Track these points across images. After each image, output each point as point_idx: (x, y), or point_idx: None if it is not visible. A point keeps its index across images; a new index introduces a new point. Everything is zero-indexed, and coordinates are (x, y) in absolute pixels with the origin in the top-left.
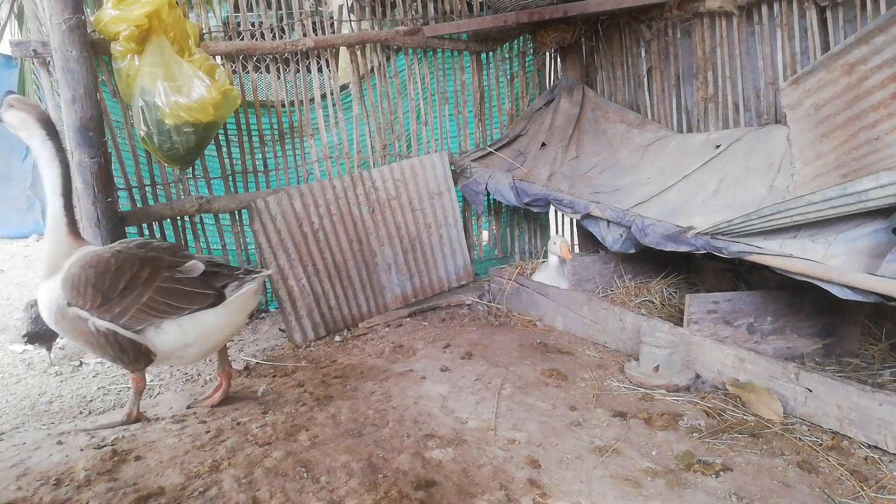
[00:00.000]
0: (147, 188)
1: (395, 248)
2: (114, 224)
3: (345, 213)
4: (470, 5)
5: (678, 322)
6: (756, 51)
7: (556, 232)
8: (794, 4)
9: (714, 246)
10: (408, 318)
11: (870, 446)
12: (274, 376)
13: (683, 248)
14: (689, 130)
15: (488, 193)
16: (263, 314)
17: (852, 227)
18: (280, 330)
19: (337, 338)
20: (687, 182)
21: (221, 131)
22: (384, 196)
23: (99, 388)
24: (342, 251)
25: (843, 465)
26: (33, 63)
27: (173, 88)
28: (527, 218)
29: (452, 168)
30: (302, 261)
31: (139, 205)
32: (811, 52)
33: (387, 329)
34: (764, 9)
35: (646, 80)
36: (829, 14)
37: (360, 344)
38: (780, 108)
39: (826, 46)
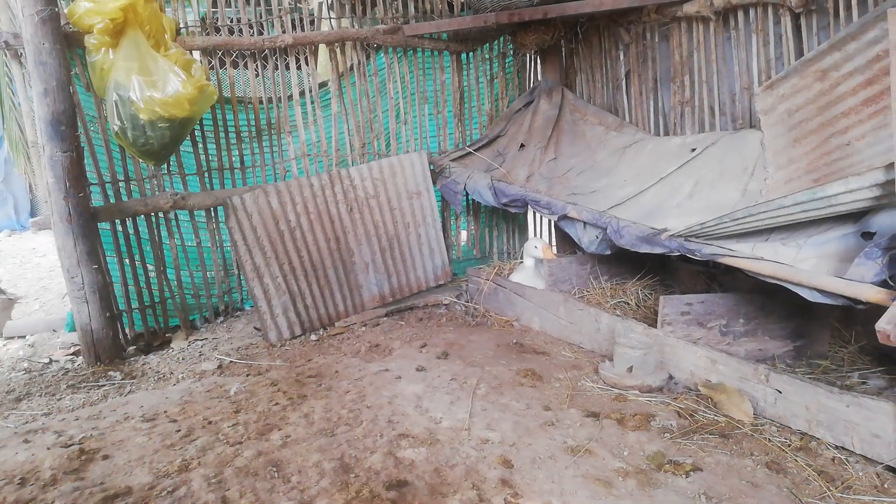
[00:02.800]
0: (121, 183)
1: (373, 247)
2: (85, 220)
3: (322, 211)
4: (451, 5)
5: (652, 323)
6: (732, 56)
7: (535, 233)
8: (770, 11)
9: (687, 248)
10: (385, 318)
11: (837, 447)
12: (248, 375)
13: (658, 250)
14: (666, 133)
15: (467, 193)
16: (238, 312)
17: (822, 231)
18: (255, 328)
19: (313, 337)
20: (663, 184)
21: (197, 127)
22: (362, 195)
23: (68, 387)
24: (319, 250)
25: (810, 465)
26: (5, 55)
27: (148, 83)
28: (505, 218)
29: (431, 167)
30: (278, 259)
31: (112, 200)
32: (785, 58)
33: (364, 328)
34: (740, 14)
35: (624, 83)
36: (803, 21)
37: (336, 343)
38: (755, 113)
39: (800, 52)
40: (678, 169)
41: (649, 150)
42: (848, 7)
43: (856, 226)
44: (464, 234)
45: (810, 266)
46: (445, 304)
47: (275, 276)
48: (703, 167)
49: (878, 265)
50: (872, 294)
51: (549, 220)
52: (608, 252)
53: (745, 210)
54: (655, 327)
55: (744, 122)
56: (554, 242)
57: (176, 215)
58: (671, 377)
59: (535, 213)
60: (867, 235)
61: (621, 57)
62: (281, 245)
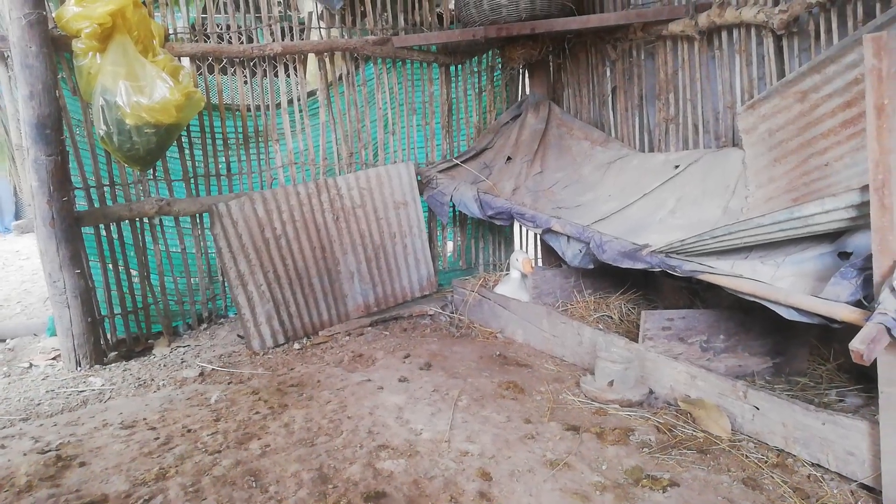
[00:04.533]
0: (105, 188)
1: (359, 257)
2: (69, 224)
3: (308, 219)
4: (440, 18)
5: (634, 338)
6: (716, 75)
7: (520, 245)
8: (753, 32)
9: (668, 264)
10: (369, 328)
11: (812, 464)
12: (229, 383)
13: (639, 266)
14: (651, 150)
15: (453, 205)
16: (222, 320)
17: (800, 250)
18: (238, 336)
19: (296, 345)
20: (646, 200)
21: (184, 133)
22: (349, 204)
23: (48, 392)
24: (304, 258)
25: (786, 482)
26: None
27: (135, 88)
28: (491, 230)
29: (419, 178)
30: (263, 266)
31: (97, 205)
32: (768, 78)
33: (347, 338)
34: (724, 35)
35: (610, 99)
36: (785, 42)
37: (319, 352)
38: (738, 132)
39: (782, 73)
40: (662, 185)
41: (634, 165)
42: (829, 30)
43: (833, 245)
44: (450, 245)
45: (788, 284)
46: (430, 315)
47: (259, 284)
48: (686, 184)
49: (853, 285)
50: (847, 313)
51: (535, 233)
52: (591, 266)
53: (725, 228)
54: (637, 342)
55: (727, 140)
56: (539, 255)
57: (161, 221)
58: (651, 392)
59: (520, 225)
60: (844, 255)
61: (608, 73)
62: (266, 253)
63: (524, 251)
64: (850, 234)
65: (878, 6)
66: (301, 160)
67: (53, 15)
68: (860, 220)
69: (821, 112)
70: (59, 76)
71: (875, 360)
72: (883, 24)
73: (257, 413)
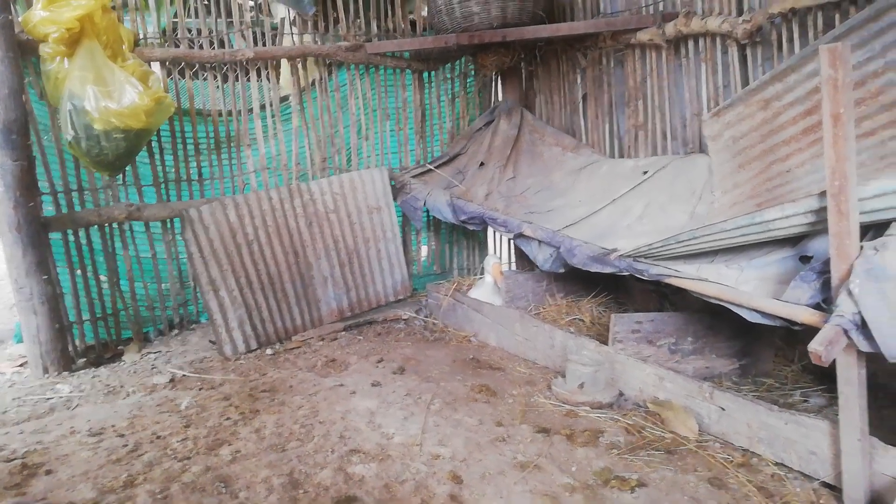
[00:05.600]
0: (74, 193)
1: (332, 262)
2: (35, 229)
3: (281, 224)
4: (413, 25)
5: (604, 341)
6: (683, 82)
7: (494, 250)
8: (718, 41)
9: (636, 268)
10: (343, 332)
11: (776, 464)
12: (200, 389)
13: (608, 270)
14: (621, 156)
15: (427, 210)
16: (194, 325)
17: (763, 254)
18: (210, 342)
19: (269, 351)
20: (615, 206)
21: (155, 138)
22: (322, 209)
23: (14, 399)
24: (277, 263)
25: (751, 481)
26: None
27: (104, 93)
28: (465, 235)
29: (392, 183)
30: (234, 272)
31: (65, 210)
32: (733, 87)
33: (321, 343)
34: (690, 43)
35: (581, 105)
36: (749, 51)
37: (292, 357)
38: (704, 138)
39: (746, 82)
40: (630, 191)
41: (604, 171)
42: (790, 40)
43: (794, 249)
44: (424, 250)
45: (751, 288)
46: (404, 319)
47: (231, 289)
48: (654, 189)
49: (813, 288)
50: (807, 316)
51: (508, 238)
52: (561, 270)
53: (689, 233)
54: (607, 345)
55: (694, 146)
56: (512, 259)
57: (131, 226)
58: (621, 394)
59: (494, 230)
60: (805, 259)
61: (579, 80)
62: (238, 258)
63: (497, 256)
64: (811, 238)
65: (836, 17)
66: (273, 165)
67: (20, 19)
68: (819, 225)
69: (783, 120)
70: (26, 80)
71: (833, 361)
72: (840, 34)
73: (228, 419)
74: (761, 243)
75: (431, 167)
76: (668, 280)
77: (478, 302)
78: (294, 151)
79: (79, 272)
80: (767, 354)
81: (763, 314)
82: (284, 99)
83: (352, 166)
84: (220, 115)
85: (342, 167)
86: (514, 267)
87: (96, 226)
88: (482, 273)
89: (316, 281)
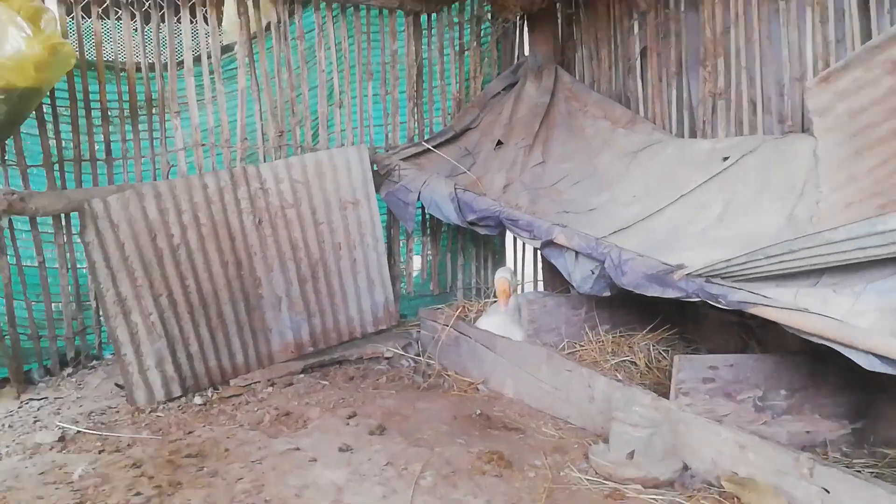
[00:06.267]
0: None
1: (289, 276)
2: None
3: (219, 223)
4: None
5: (665, 392)
6: (780, 35)
7: (514, 263)
8: None
9: (709, 293)
10: (302, 375)
11: None
12: (101, 451)
13: (671, 294)
14: (692, 135)
15: (422, 206)
16: (94, 362)
17: (887, 276)
18: (117, 385)
19: (198, 399)
20: (683, 204)
21: (47, 101)
22: (277, 203)
23: None
24: (213, 277)
25: None
26: None
27: None
28: (474, 242)
29: (375, 168)
30: (153, 288)
31: None
32: (849, 41)
33: (270, 389)
34: None
35: (639, 64)
36: None
37: (230, 409)
38: (808, 113)
39: (868, 34)
40: (704, 184)
41: (668, 156)
42: None
43: None
44: (417, 261)
45: (870, 322)
46: (387, 358)
47: (147, 313)
48: (738, 182)
49: None
50: None
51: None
52: (607, 293)
53: (785, 244)
54: (668, 398)
55: (794, 123)
56: (540, 277)
57: (11, 223)
58: (686, 467)
59: (514, 235)
60: None
61: (636, 29)
62: (158, 269)
63: (510, 269)
64: None
65: None
66: (211, 141)
67: None
68: None
69: None
70: None
71: None
72: None
73: (138, 495)
74: (885, 260)
75: (429, 147)
76: (753, 310)
77: (489, 335)
78: (240, 122)
79: None
80: (891, 416)
81: (884, 360)
82: (228, 49)
83: (319, 144)
84: (139, 70)
85: (305, 145)
86: (540, 287)
87: None
88: (496, 295)
89: (266, 302)
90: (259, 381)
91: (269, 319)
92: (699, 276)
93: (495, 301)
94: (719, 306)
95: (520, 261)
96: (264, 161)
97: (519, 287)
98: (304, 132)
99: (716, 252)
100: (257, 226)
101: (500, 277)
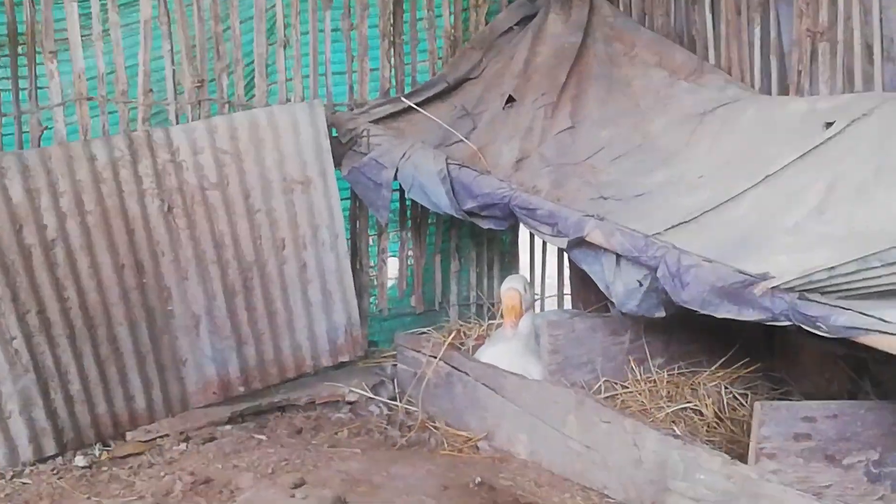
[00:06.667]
0: None
1: (212, 286)
2: None
3: (112, 211)
4: None
5: (742, 454)
6: None
7: (532, 268)
8: None
9: (804, 314)
10: (228, 426)
11: None
12: None
13: (749, 316)
14: (782, 91)
15: (401, 188)
16: None
17: None
18: None
19: (81, 460)
20: (769, 189)
21: None
22: (195, 182)
23: None
24: (102, 287)
25: None
26: None
27: None
28: (475, 239)
29: (334, 134)
30: (17, 302)
31: None
32: None
33: (184, 446)
34: None
35: None
36: None
37: (125, 474)
38: None
39: None
40: (800, 160)
41: (749, 120)
42: None
43: None
44: (392, 267)
45: None
46: (350, 403)
47: (8, 338)
48: (847, 158)
49: None
50: None
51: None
52: (660, 313)
53: None
54: (746, 462)
55: None
56: (566, 289)
57: None
58: None
59: (530, 230)
60: None
61: None
62: (25, 275)
63: (524, 279)
64: None
65: None
66: (101, 94)
67: None
68: None
69: None
70: None
71: None
72: None
73: None
74: None
75: (412, 104)
76: (866, 339)
77: (495, 372)
78: (142, 67)
79: None
80: None
81: None
82: None
83: (255, 98)
84: None
85: (236, 100)
86: (567, 305)
87: None
88: (502, 315)
89: (178, 324)
90: (168, 435)
91: (182, 348)
92: (791, 289)
93: (502, 323)
94: (819, 333)
95: (538, 267)
96: (177, 123)
97: (537, 304)
98: (235, 82)
99: (815, 256)
100: (166, 214)
101: (509, 289)
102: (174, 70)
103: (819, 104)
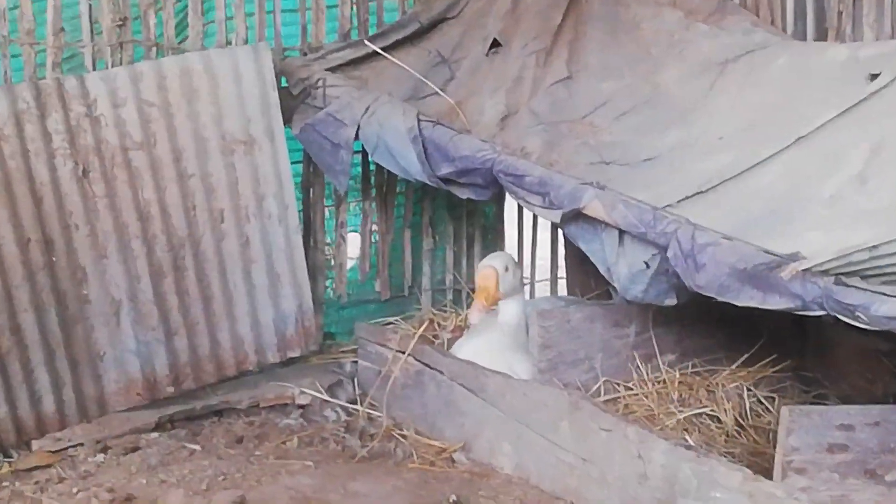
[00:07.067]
0: None
1: (135, 266)
2: None
3: (15, 175)
4: None
5: (767, 468)
6: None
7: (521, 247)
8: None
9: (841, 302)
10: (155, 434)
11: None
12: None
13: (776, 304)
14: (819, 36)
15: (363, 149)
16: None
17: None
18: None
19: None
20: (802, 152)
21: None
22: (115, 140)
23: None
24: (2, 266)
25: None
26: None
27: None
28: (452, 211)
29: (283, 85)
30: None
31: None
32: None
33: (102, 457)
34: None
35: None
36: None
37: (30, 490)
38: None
39: None
40: (839, 118)
41: (778, 71)
42: None
43: None
44: (353, 243)
45: None
46: (301, 407)
47: None
48: (893, 116)
49: None
50: None
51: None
52: (671, 301)
53: None
54: (770, 477)
55: None
56: (561, 272)
57: None
58: None
59: (517, 201)
60: None
61: None
62: None
63: (508, 258)
64: None
65: None
66: (2, 33)
67: None
68: None
69: None
70: None
71: None
72: None
73: None
74: None
75: (377, 49)
76: None
77: (474, 370)
78: (52, 2)
79: None
80: None
81: None
82: None
83: (189, 41)
84: None
85: (166, 43)
86: (562, 291)
87: None
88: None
89: (95, 310)
90: (82, 444)
91: (99, 340)
92: (825, 273)
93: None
94: (858, 324)
95: (528, 246)
96: (94, 69)
97: (526, 289)
98: (164, 21)
99: (854, 234)
100: (81, 179)
101: (485, 267)
102: (90, 5)
103: (862, 51)
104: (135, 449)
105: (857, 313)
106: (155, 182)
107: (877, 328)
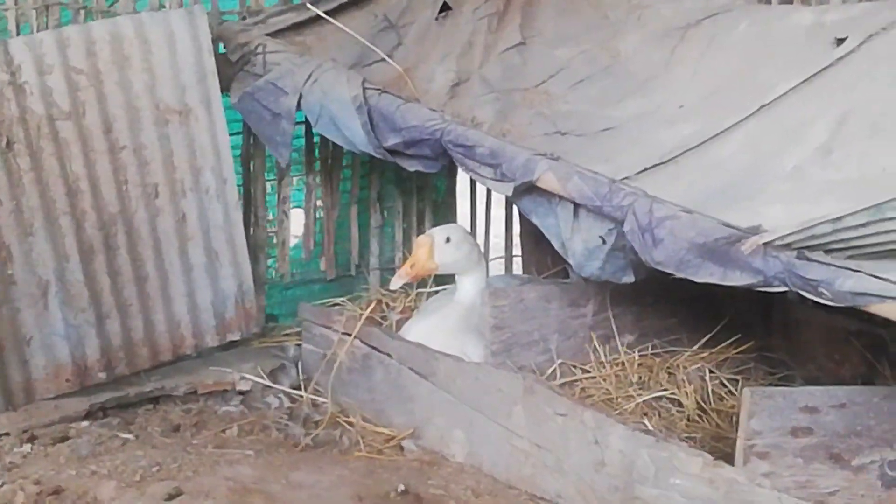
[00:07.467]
0: None
1: (64, 244)
2: None
3: None
4: None
5: (728, 454)
6: None
7: (474, 223)
8: None
9: (803, 277)
10: (86, 423)
11: None
12: None
13: (737, 280)
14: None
15: (307, 119)
16: None
17: None
18: None
19: None
20: (765, 122)
21: None
22: (41, 110)
23: None
24: None
25: None
26: None
27: None
28: (400, 184)
29: (222, 50)
30: None
31: None
32: None
33: (28, 447)
34: None
35: None
36: None
37: None
38: None
39: None
40: (804, 85)
41: (741, 36)
42: None
43: None
44: (296, 220)
45: None
46: (241, 393)
47: None
48: (861, 84)
49: None
50: None
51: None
52: (629, 278)
53: None
54: (732, 462)
55: None
56: (516, 250)
57: None
58: None
59: (469, 174)
60: None
61: None
62: None
63: (459, 230)
64: None
65: None
66: None
67: None
68: None
69: None
70: None
71: None
72: None
73: None
74: None
75: (319, 13)
76: (880, 307)
77: (425, 353)
78: None
79: None
80: None
81: None
82: None
83: (119, 4)
84: None
85: (95, 6)
86: (517, 269)
87: None
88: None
89: (19, 292)
90: (7, 434)
91: (25, 323)
92: (787, 246)
93: (435, 292)
94: (821, 300)
95: (481, 221)
96: (17, 34)
97: (480, 265)
98: None
99: (818, 207)
100: (4, 152)
101: (425, 236)
102: None
103: (828, 16)
104: (64, 439)
105: (821, 289)
106: (84, 155)
107: (841, 304)
